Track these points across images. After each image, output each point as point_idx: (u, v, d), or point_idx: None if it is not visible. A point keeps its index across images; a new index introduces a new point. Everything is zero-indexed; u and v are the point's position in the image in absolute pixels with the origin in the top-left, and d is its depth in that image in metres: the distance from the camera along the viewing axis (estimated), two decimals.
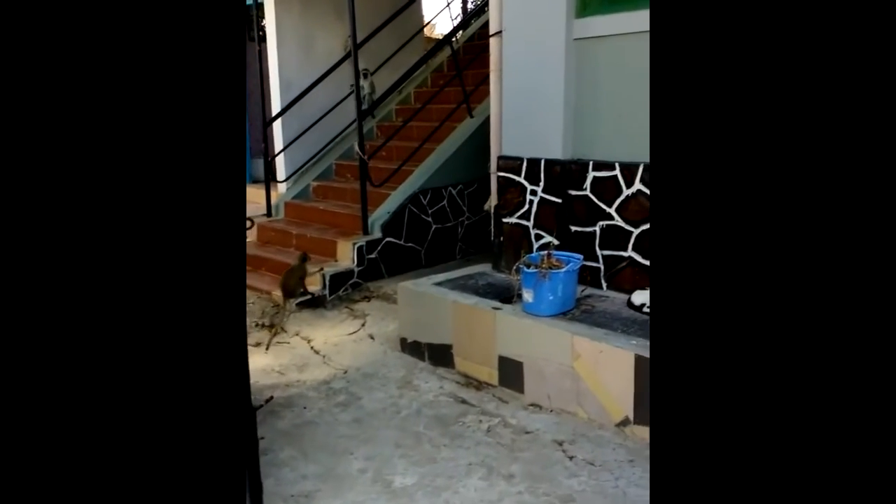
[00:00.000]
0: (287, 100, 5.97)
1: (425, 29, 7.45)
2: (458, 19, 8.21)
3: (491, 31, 3.84)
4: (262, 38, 6.08)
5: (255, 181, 6.73)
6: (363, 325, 4.25)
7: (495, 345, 3.19)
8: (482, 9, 7.99)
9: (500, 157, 3.84)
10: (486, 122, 5.49)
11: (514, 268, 3.23)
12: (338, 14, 6.29)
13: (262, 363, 3.72)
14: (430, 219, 5.24)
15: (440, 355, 3.49)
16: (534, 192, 3.68)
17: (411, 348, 3.66)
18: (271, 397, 3.08)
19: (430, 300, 3.53)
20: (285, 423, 2.97)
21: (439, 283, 3.69)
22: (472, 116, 5.56)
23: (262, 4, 5.97)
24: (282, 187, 6.17)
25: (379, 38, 6.05)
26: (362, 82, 5.96)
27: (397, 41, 6.51)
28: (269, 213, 5.84)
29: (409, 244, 5.13)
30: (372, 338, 4.02)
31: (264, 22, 6.09)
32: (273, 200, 5.90)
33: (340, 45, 6.36)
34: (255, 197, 6.45)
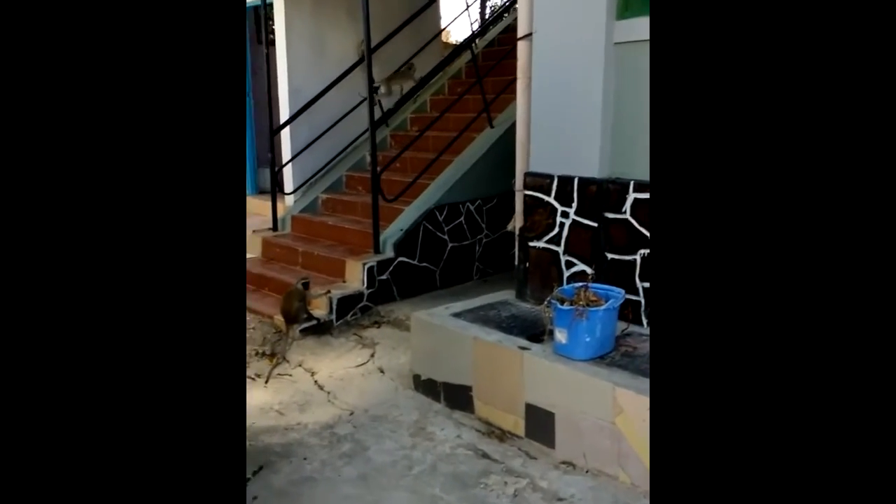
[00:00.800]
0: (296, 106, 5.61)
1: (442, 34, 7.09)
2: (477, 24, 7.87)
3: (519, 34, 3.46)
4: (271, 42, 5.74)
5: (262, 192, 6.40)
6: (372, 355, 3.87)
7: (522, 390, 2.79)
8: (502, 13, 7.64)
9: (526, 174, 3.45)
10: (508, 132, 5.12)
11: (546, 303, 2.83)
12: (351, 16, 5.94)
13: (261, 399, 3.34)
14: (446, 237, 4.86)
15: (458, 397, 3.10)
16: (565, 214, 3.28)
17: (425, 387, 3.27)
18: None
19: (446, 334, 3.14)
20: (281, 480, 2.59)
21: (457, 314, 3.30)
22: (492, 126, 5.19)
23: (271, 5, 5.63)
24: (289, 199, 5.81)
25: (394, 42, 5.70)
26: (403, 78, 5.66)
27: (413, 46, 6.16)
28: (274, 227, 5.48)
29: (424, 264, 4.75)
30: (382, 371, 3.63)
31: (273, 24, 5.75)
32: (279, 213, 5.54)
33: (354, 49, 6.01)
34: (260, 209, 6.11)
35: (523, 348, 2.83)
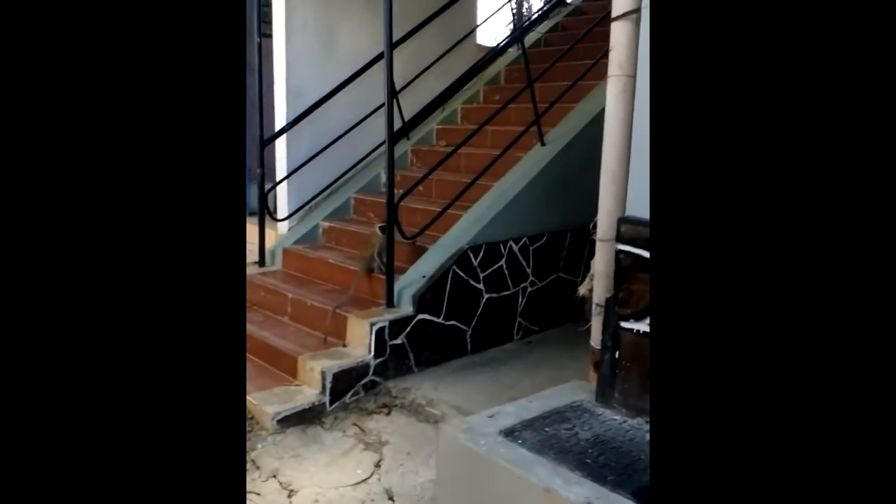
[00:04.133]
0: (296, 112, 4.53)
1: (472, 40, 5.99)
2: (520, 21, 6.77)
3: (614, 12, 2.33)
4: (267, 34, 4.66)
5: (252, 214, 5.29)
6: (378, 464, 2.71)
7: None
8: (547, 12, 6.54)
9: (622, 220, 2.30)
10: (565, 152, 3.99)
11: None
12: (368, 4, 4.87)
13: None
14: (481, 286, 3.72)
15: None
16: None
17: None
18: None
19: (498, 474, 1.98)
20: None
21: (510, 432, 2.14)
22: (543, 144, 4.06)
23: None
24: (282, 227, 4.70)
25: (420, 37, 4.62)
26: None
27: (443, 44, 5.08)
28: (261, 262, 4.36)
29: (451, 322, 3.60)
30: (391, 498, 2.48)
31: (270, 10, 4.67)
32: (269, 244, 4.42)
33: (370, 43, 4.92)
34: (247, 235, 5.00)
35: None
